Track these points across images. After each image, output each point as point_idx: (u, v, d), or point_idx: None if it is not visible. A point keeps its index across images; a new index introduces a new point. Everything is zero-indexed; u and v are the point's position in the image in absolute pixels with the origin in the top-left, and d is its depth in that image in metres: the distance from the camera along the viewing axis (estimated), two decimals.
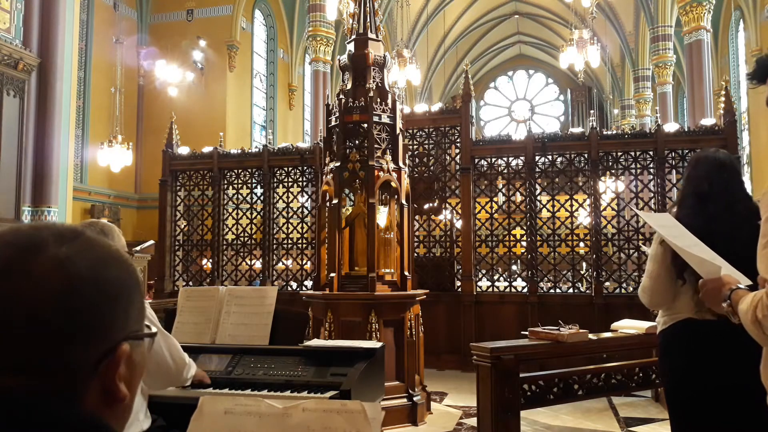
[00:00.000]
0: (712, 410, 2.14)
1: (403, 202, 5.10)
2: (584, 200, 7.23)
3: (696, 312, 2.17)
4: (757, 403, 2.06)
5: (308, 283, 7.67)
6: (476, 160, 7.52)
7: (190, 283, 8.09)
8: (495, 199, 7.61)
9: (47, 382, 0.64)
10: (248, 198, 8.11)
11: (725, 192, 2.24)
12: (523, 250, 7.41)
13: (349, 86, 5.23)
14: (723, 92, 7.06)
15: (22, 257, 0.67)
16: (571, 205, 7.21)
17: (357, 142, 5.07)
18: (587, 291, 7.15)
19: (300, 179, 7.94)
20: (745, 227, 2.04)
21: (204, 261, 8.26)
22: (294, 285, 7.82)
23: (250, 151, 8.42)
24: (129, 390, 0.71)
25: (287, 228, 7.93)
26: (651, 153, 7.02)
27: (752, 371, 1.96)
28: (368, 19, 5.30)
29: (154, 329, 0.77)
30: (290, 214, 7.94)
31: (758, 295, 1.41)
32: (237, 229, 8.11)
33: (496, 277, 7.44)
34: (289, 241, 7.91)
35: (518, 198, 7.57)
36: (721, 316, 2.01)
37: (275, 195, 7.99)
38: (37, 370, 0.64)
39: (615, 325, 4.52)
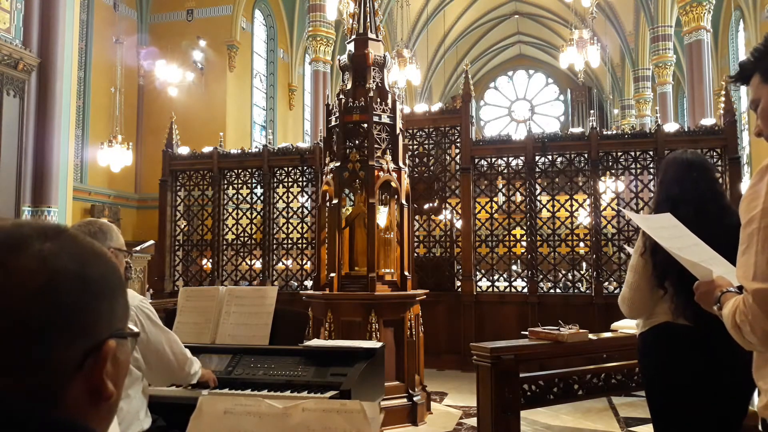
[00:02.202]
0: (685, 403, 2.20)
1: (403, 202, 5.10)
2: (584, 200, 7.23)
3: (672, 317, 2.21)
4: (727, 398, 2.12)
5: (308, 283, 7.67)
6: (476, 160, 7.52)
7: (190, 283, 8.09)
8: (495, 199, 7.61)
9: (28, 381, 0.63)
10: (248, 198, 8.11)
11: (695, 193, 2.26)
12: (523, 250, 7.41)
13: (349, 86, 5.23)
14: (723, 92, 7.06)
15: (4, 253, 0.66)
16: (571, 205, 7.21)
17: (357, 142, 5.07)
18: (587, 291, 7.15)
19: (300, 179, 7.94)
20: (715, 227, 2.06)
21: (204, 261, 8.26)
22: (294, 285, 7.82)
23: (250, 151, 8.42)
24: (115, 388, 0.70)
25: (287, 228, 7.93)
26: (651, 153, 7.02)
27: (722, 370, 2.08)
28: (368, 19, 5.30)
29: (136, 329, 0.77)
30: (290, 214, 7.94)
31: (737, 302, 1.43)
32: (237, 229, 8.11)
33: (496, 277, 7.44)
34: (289, 241, 7.91)
35: (518, 198, 7.57)
36: (697, 321, 2.06)
37: (275, 195, 7.99)
38: (20, 369, 0.63)
39: (615, 325, 4.52)
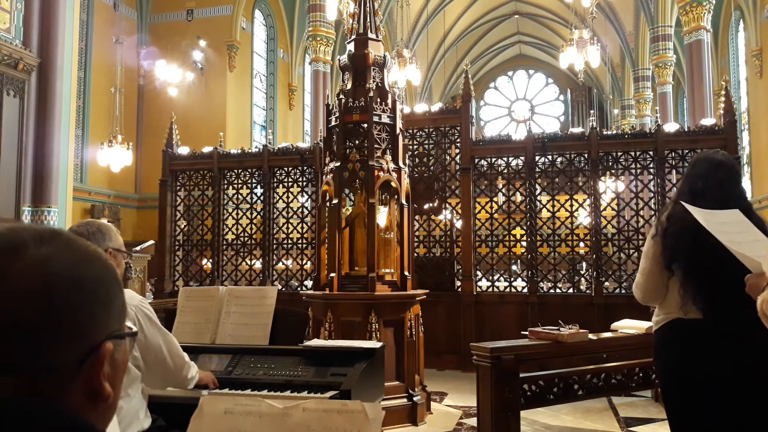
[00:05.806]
0: (700, 397, 2.21)
1: (403, 202, 5.10)
2: (584, 200, 7.23)
3: (682, 311, 2.24)
4: (740, 393, 2.14)
5: (308, 283, 7.67)
6: (476, 160, 7.52)
7: (190, 283, 8.09)
8: (495, 199, 7.61)
9: (30, 383, 0.64)
10: (248, 198, 8.11)
11: (718, 190, 2.32)
12: (523, 250, 7.41)
13: (349, 86, 5.23)
14: (723, 92, 7.06)
15: (1, 259, 0.66)
16: (571, 205, 7.21)
17: (357, 142, 5.07)
18: (587, 291, 7.15)
19: (300, 179, 7.94)
20: None
21: (204, 261, 8.26)
22: (294, 285, 7.82)
23: (250, 151, 8.43)
24: (113, 389, 0.71)
25: (287, 228, 7.93)
26: (651, 153, 7.02)
27: (734, 363, 2.12)
28: (368, 19, 5.30)
29: (135, 329, 0.78)
30: (290, 214, 7.94)
31: (765, 293, 1.56)
32: (237, 229, 8.11)
33: (496, 277, 7.44)
34: (289, 241, 7.91)
35: (518, 198, 7.57)
36: (706, 311, 2.11)
37: (275, 195, 7.99)
38: (20, 371, 0.64)
39: (615, 325, 4.52)
